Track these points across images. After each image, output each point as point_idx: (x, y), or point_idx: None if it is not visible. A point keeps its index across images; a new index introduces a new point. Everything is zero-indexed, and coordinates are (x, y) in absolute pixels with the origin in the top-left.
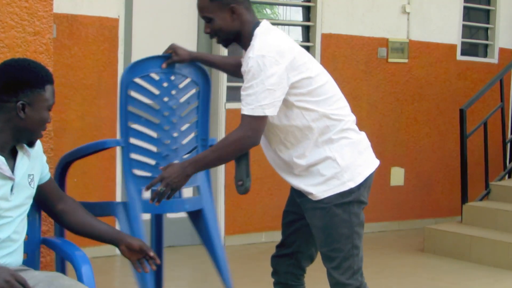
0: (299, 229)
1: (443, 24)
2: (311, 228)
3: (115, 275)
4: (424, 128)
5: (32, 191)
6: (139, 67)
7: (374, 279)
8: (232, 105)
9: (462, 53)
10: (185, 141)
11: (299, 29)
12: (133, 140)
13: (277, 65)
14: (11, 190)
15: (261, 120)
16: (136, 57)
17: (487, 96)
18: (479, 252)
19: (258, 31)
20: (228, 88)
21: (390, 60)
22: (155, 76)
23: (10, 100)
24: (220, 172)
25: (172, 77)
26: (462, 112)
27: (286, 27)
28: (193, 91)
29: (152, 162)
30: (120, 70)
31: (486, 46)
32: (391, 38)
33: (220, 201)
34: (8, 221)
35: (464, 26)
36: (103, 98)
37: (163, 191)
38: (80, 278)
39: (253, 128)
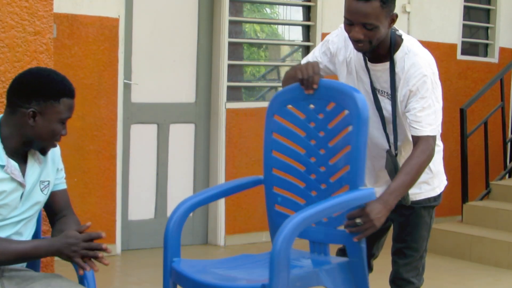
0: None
1: (444, 24)
2: (393, 224)
3: (115, 274)
4: None
5: (44, 198)
6: (287, 94)
7: (375, 279)
8: (232, 105)
9: (463, 53)
10: (334, 178)
11: (299, 28)
12: (276, 172)
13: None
14: (21, 197)
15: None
16: (136, 57)
17: (488, 96)
18: (480, 252)
19: (407, 42)
20: (229, 87)
21: None
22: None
23: (23, 106)
24: (221, 171)
25: (312, 105)
26: (462, 112)
27: (286, 26)
28: (342, 115)
29: (296, 198)
30: (121, 70)
31: (486, 45)
32: None
33: (221, 200)
34: (9, 222)
35: (464, 25)
36: (104, 98)
37: (360, 225)
38: (80, 279)
39: (434, 148)
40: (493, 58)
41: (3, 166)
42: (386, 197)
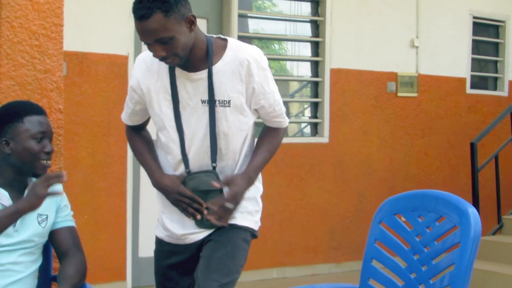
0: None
1: (452, 58)
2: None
3: None
4: (435, 162)
5: (42, 231)
6: (398, 203)
7: None
8: None
9: (472, 86)
10: None
11: (308, 64)
12: (373, 282)
13: None
14: (14, 226)
15: None
16: None
17: (498, 129)
18: (493, 287)
19: (232, 41)
20: None
21: (399, 94)
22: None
23: None
24: None
25: (422, 217)
26: (473, 146)
27: (295, 62)
28: (452, 231)
29: None
30: None
31: (495, 79)
32: (400, 72)
33: None
34: (5, 250)
35: (473, 59)
36: (113, 135)
37: (232, 208)
38: None
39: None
40: (503, 92)
41: None
42: (251, 173)
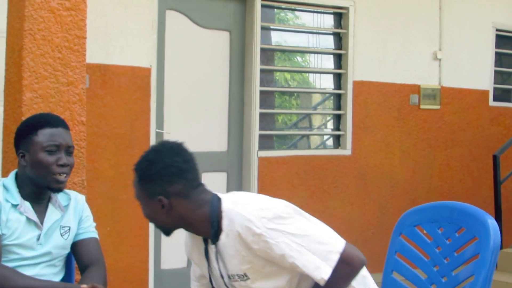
0: None
1: (475, 70)
2: None
3: None
4: (457, 174)
5: (65, 243)
6: (418, 214)
7: None
8: (264, 153)
9: (495, 99)
10: None
11: (331, 76)
12: None
13: None
14: (38, 239)
15: None
16: (168, 106)
17: None
18: None
19: (222, 203)
20: (260, 136)
21: (422, 106)
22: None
23: (17, 153)
24: None
25: (442, 228)
26: (495, 158)
27: (318, 74)
28: (471, 242)
29: None
30: (153, 119)
31: None
32: (423, 85)
33: None
34: (28, 264)
35: (496, 71)
36: (136, 147)
37: None
38: None
39: (350, 268)
40: None
41: (16, 205)
42: None
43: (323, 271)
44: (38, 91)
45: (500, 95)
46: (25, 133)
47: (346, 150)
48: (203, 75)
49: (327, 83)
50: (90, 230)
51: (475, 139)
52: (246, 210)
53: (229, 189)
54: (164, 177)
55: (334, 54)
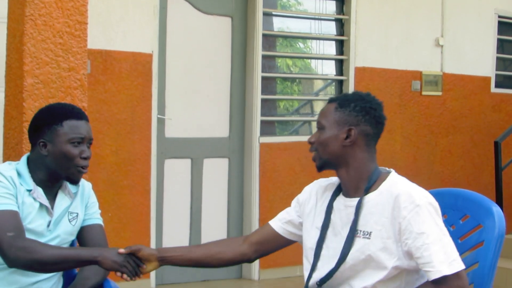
0: None
1: (477, 57)
2: None
3: None
4: (458, 160)
5: (72, 229)
6: None
7: None
8: (266, 139)
9: (497, 85)
10: None
11: (333, 62)
12: None
13: None
14: (48, 225)
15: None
16: (170, 92)
17: None
18: None
19: (394, 177)
20: (262, 122)
21: (424, 93)
22: None
23: (35, 141)
24: (255, 205)
25: (446, 215)
26: (497, 145)
27: (320, 60)
28: (475, 230)
29: None
30: (154, 105)
31: None
32: (425, 71)
33: None
34: None
35: (498, 58)
36: (137, 133)
37: None
38: None
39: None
40: None
41: (30, 191)
42: None
43: (442, 270)
44: (39, 76)
45: (502, 81)
46: (48, 122)
47: None
48: (204, 61)
49: (329, 69)
50: (95, 217)
51: (476, 126)
52: (417, 188)
53: (230, 175)
54: (364, 113)
55: (336, 40)
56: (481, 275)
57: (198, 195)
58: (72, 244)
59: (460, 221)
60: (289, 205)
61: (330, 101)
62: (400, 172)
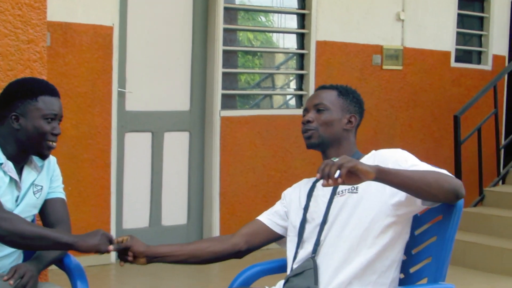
0: None
1: (437, 31)
2: None
3: (110, 283)
4: (418, 134)
5: (36, 201)
6: None
7: None
8: (227, 113)
9: (456, 60)
10: (414, 269)
11: (294, 36)
12: None
13: None
14: (16, 200)
15: None
16: (130, 65)
17: (481, 103)
18: (474, 258)
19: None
20: (223, 95)
21: (384, 67)
22: None
23: (6, 114)
24: (215, 179)
25: None
26: (456, 119)
27: (281, 34)
28: (435, 220)
29: None
30: (115, 78)
31: (480, 53)
32: (386, 45)
33: (215, 208)
34: None
35: (458, 33)
36: (98, 106)
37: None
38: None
39: (458, 182)
40: (487, 65)
41: (1, 164)
42: (380, 168)
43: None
44: None
45: (461, 56)
46: (22, 96)
47: None
48: (166, 34)
49: (290, 43)
50: (58, 190)
51: (436, 100)
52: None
53: (191, 148)
54: (359, 105)
55: (297, 14)
56: (440, 248)
57: (159, 168)
58: (33, 219)
59: None
60: (250, 179)
61: (325, 87)
62: (360, 146)
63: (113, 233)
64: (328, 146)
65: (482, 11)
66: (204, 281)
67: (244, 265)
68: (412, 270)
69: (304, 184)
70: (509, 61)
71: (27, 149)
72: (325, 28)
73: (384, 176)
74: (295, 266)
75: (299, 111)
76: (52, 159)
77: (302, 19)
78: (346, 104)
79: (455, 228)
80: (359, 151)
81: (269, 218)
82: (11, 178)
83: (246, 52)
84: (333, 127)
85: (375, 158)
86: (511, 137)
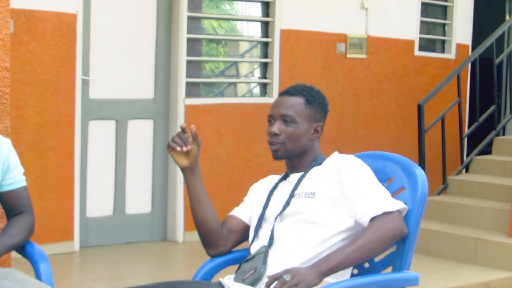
0: None
1: (401, 20)
2: None
3: (74, 271)
4: (382, 123)
5: None
6: None
7: None
8: (191, 101)
9: (420, 49)
10: (379, 258)
11: (258, 24)
12: None
13: None
14: None
15: None
16: (94, 53)
17: (445, 91)
18: (437, 246)
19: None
20: (187, 83)
21: (348, 55)
22: None
23: None
24: (179, 169)
25: None
26: (420, 107)
27: (245, 22)
28: (399, 192)
29: None
30: (79, 65)
31: (443, 41)
32: (350, 34)
33: (179, 197)
34: None
35: (422, 22)
36: (62, 94)
37: (288, 279)
38: (38, 275)
39: (399, 225)
40: (450, 54)
41: None
42: (318, 262)
43: (373, 210)
44: None
45: (425, 45)
46: None
47: (273, 99)
48: (130, 22)
49: (254, 31)
50: (19, 179)
51: (400, 89)
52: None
53: (155, 136)
54: (324, 110)
55: (262, 2)
56: (405, 236)
57: (123, 156)
58: None
59: (384, 184)
60: (214, 167)
61: (292, 94)
62: (324, 134)
63: (77, 221)
64: (294, 157)
65: (446, 0)
66: (169, 270)
67: (207, 255)
68: (377, 259)
69: (268, 182)
70: (472, 50)
71: None
72: (290, 16)
73: (328, 274)
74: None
75: (264, 100)
76: (5, 143)
77: (267, 7)
78: (313, 112)
79: (420, 217)
80: (322, 154)
81: (240, 210)
82: None
83: (211, 40)
84: (299, 141)
85: (335, 162)
86: (474, 126)
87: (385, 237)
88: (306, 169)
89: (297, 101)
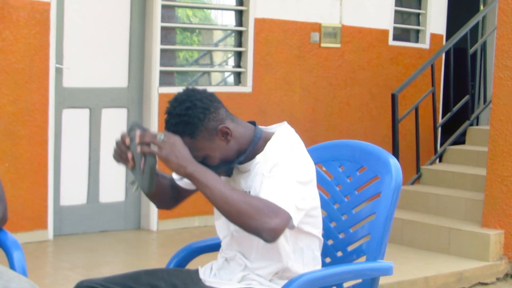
0: None
1: (376, 9)
2: None
3: (48, 260)
4: (356, 112)
5: None
6: (318, 152)
7: None
8: (165, 90)
9: (394, 38)
10: (352, 247)
11: (232, 13)
12: None
13: None
14: None
15: None
16: (68, 41)
17: (419, 81)
18: (411, 235)
19: (275, 133)
20: (161, 72)
21: (322, 45)
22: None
23: None
24: None
25: (343, 167)
26: (393, 97)
27: (219, 11)
28: (373, 181)
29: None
30: (52, 54)
31: (417, 31)
32: (324, 23)
33: None
34: None
35: (396, 11)
36: (35, 82)
37: (161, 139)
38: (11, 264)
39: (278, 227)
40: (424, 44)
41: None
42: (198, 165)
43: (271, 194)
44: None
45: (399, 34)
46: None
47: (247, 87)
48: (103, 10)
49: (228, 20)
50: None
51: (374, 78)
52: (285, 146)
53: (129, 125)
54: (206, 109)
55: None
56: (378, 225)
57: (97, 145)
58: None
59: (357, 173)
60: None
61: (177, 130)
62: (298, 124)
63: (50, 209)
64: (237, 159)
65: None
66: (143, 258)
67: (181, 243)
68: (350, 248)
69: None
70: (446, 40)
71: None
72: (264, 5)
73: (191, 178)
74: (224, 243)
75: (237, 88)
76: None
77: None
78: (206, 132)
79: (394, 206)
80: (257, 128)
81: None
82: None
83: (185, 29)
84: (227, 157)
85: (269, 153)
86: (448, 116)
87: (253, 216)
88: (249, 159)
89: (185, 142)
